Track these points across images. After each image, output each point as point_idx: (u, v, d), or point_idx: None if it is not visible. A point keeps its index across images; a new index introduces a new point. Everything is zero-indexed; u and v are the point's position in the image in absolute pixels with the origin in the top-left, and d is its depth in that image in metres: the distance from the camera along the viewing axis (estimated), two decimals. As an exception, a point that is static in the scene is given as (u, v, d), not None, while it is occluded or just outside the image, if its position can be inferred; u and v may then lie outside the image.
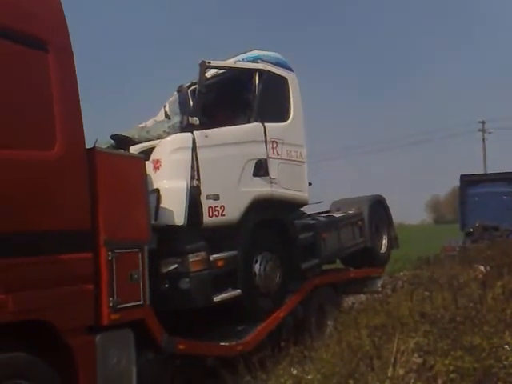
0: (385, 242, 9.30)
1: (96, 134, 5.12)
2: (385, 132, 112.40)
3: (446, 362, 3.55)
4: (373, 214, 8.96)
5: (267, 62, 6.77)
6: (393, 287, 6.34)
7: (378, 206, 9.36)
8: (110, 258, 4.29)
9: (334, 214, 8.64)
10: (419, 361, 3.49)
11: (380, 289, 8.10)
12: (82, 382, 3.95)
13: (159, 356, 4.80)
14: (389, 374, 3.35)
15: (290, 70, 7.16)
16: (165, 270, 5.16)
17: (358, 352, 3.95)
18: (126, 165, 4.79)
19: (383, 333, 4.17)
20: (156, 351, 4.76)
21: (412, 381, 3.32)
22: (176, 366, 5.10)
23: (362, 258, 8.70)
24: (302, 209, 7.65)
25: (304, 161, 7.01)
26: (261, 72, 6.58)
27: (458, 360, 3.61)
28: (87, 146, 4.38)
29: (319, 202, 8.87)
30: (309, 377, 3.78)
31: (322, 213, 8.80)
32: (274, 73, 6.79)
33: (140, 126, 6.41)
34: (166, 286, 5.14)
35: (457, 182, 17.73)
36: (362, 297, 7.65)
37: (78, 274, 4.08)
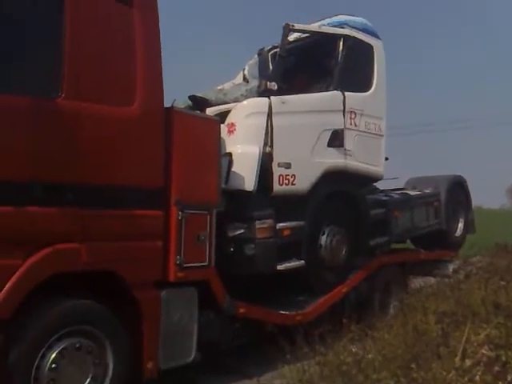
0: (461, 225, 8.84)
1: (174, 93, 5.17)
2: (472, 109, 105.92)
3: None
4: (451, 195, 8.51)
5: (354, 27, 6.47)
6: (466, 273, 6.01)
7: (458, 187, 8.87)
8: (179, 218, 4.35)
9: (408, 192, 8.29)
10: (490, 354, 3.29)
11: (451, 273, 7.77)
12: (146, 333, 4.09)
13: (220, 317, 4.87)
14: (456, 364, 3.19)
15: (377, 37, 6.81)
16: (231, 234, 5.18)
17: (423, 337, 3.80)
18: (201, 126, 4.79)
19: (452, 320, 3.97)
20: (217, 312, 4.84)
21: (479, 374, 3.14)
22: (236, 328, 5.17)
23: (434, 239, 8.34)
24: (375, 184, 7.43)
25: (382, 134, 6.71)
26: (346, 38, 6.30)
27: (533, 357, 3.38)
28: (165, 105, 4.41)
29: (394, 178, 8.56)
30: (369, 356, 3.70)
31: (397, 190, 8.48)
32: (359, 39, 6.48)
33: (218, 88, 6.38)
34: (231, 250, 5.16)
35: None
36: (432, 280, 7.35)
37: (148, 230, 4.17)
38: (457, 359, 3.25)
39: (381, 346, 3.92)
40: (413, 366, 3.27)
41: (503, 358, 3.35)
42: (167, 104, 4.45)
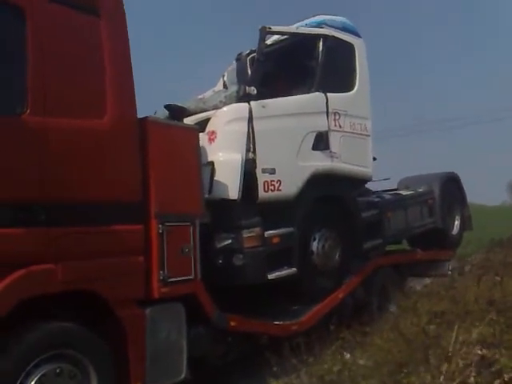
0: (457, 222, 8.71)
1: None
2: (470, 106, 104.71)
3: None
4: (445, 192, 8.38)
5: (332, 26, 6.37)
6: (459, 271, 5.83)
7: (452, 184, 8.74)
8: (160, 231, 4.20)
9: (401, 192, 8.16)
10: (484, 353, 3.12)
11: (449, 272, 7.61)
12: (131, 353, 3.92)
13: (210, 332, 4.70)
14: (444, 368, 3.01)
15: (358, 35, 6.72)
16: (218, 246, 5.03)
17: (413, 340, 3.63)
18: (178, 135, 4.66)
19: (443, 320, 3.80)
20: (207, 327, 4.67)
21: (473, 376, 2.96)
22: (228, 342, 4.99)
23: (431, 238, 8.20)
24: (366, 186, 7.29)
25: (369, 134, 6.59)
26: (325, 38, 6.19)
27: (528, 356, 3.21)
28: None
29: (386, 179, 8.43)
30: (360, 362, 3.52)
31: (389, 190, 8.36)
32: (339, 39, 6.39)
33: (199, 97, 6.25)
34: (220, 261, 5.01)
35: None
36: (427, 280, 7.18)
37: (128, 245, 4.02)
38: (445, 362, 3.06)
39: (372, 352, 3.74)
40: (404, 370, 3.09)
41: (496, 356, 3.18)
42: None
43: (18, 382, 3.25)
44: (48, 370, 3.41)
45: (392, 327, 4.23)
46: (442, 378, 2.95)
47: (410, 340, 3.60)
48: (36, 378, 3.33)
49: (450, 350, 3.13)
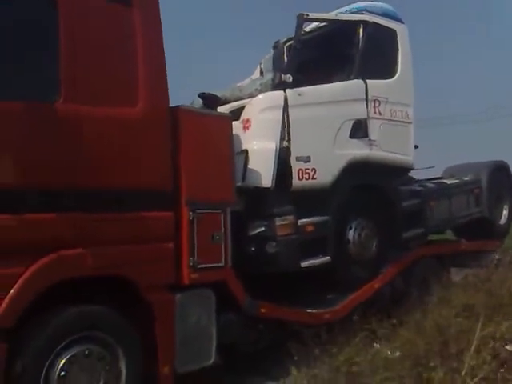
0: (505, 212, 8.35)
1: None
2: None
3: None
4: (493, 181, 8.05)
5: (373, 13, 6.19)
6: (498, 263, 5.60)
7: (500, 172, 8.37)
8: (191, 218, 4.26)
9: (445, 181, 7.89)
10: (509, 349, 2.99)
11: (494, 263, 7.33)
12: (160, 338, 4.01)
13: (241, 318, 4.74)
14: (466, 362, 2.90)
15: (400, 21, 6.51)
16: (251, 233, 5.04)
17: (437, 333, 3.52)
18: (211, 124, 4.68)
19: (472, 313, 3.66)
20: (238, 313, 4.71)
21: (492, 371, 2.83)
22: (259, 330, 5.02)
23: (477, 229, 7.90)
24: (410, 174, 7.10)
25: (410, 121, 6.39)
26: (365, 24, 6.03)
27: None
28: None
29: (430, 167, 8.17)
30: (384, 354, 3.46)
31: (433, 179, 8.10)
32: (380, 25, 6.20)
33: (237, 85, 6.25)
34: (253, 249, 5.03)
35: None
36: (467, 271, 6.96)
37: (158, 232, 4.09)
38: (467, 356, 2.96)
39: (398, 343, 3.67)
40: (425, 364, 3.00)
41: None
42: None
43: (49, 361, 3.39)
44: (77, 351, 3.53)
45: (419, 319, 4.13)
46: (463, 372, 2.85)
47: (433, 333, 3.50)
48: (66, 358, 3.46)
49: (474, 344, 3.02)
